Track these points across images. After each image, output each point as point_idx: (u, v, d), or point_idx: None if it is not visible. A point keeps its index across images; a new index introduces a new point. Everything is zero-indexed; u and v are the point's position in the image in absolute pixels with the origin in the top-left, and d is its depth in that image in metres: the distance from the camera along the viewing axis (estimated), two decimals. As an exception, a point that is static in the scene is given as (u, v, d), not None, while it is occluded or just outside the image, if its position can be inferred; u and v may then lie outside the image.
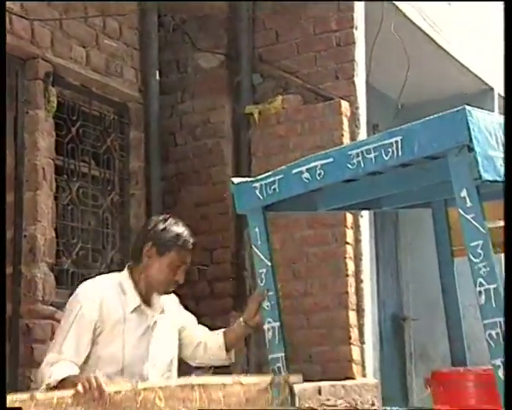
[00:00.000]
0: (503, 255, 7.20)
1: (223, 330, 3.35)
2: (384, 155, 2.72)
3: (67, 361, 2.89)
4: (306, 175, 2.99)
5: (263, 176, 3.14)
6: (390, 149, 2.69)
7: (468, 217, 2.52)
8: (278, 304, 3.17)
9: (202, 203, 5.39)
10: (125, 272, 3.12)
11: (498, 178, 2.49)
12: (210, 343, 3.30)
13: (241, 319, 3.26)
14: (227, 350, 3.28)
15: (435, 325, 5.68)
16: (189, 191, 5.44)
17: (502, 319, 2.46)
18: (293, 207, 3.43)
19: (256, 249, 3.20)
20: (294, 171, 3.02)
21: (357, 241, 5.08)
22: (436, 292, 4.17)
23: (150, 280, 3.08)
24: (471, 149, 2.47)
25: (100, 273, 4.76)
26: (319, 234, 5.01)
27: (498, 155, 2.51)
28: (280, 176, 3.08)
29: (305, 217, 5.02)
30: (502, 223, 4.34)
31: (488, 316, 2.48)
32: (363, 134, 5.26)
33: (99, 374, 2.67)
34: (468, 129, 2.45)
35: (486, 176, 2.46)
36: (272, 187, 3.10)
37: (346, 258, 4.96)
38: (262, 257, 3.18)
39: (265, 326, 3.18)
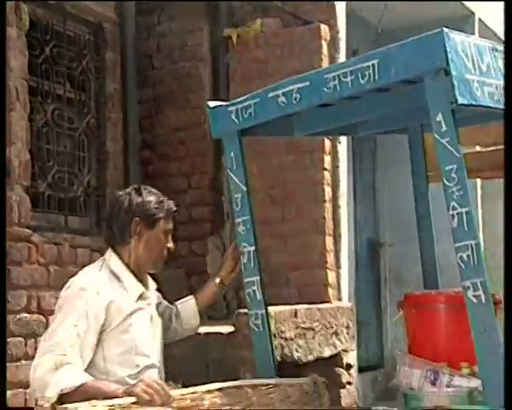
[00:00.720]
0: (478, 181, 7.31)
1: (193, 296, 3.21)
2: (360, 79, 2.69)
3: (76, 365, 2.53)
4: (283, 99, 2.96)
5: (239, 100, 3.11)
6: (366, 73, 2.67)
7: (443, 141, 2.52)
8: (253, 228, 3.18)
9: (180, 128, 5.35)
10: (113, 257, 2.82)
11: (474, 103, 2.49)
12: (184, 313, 3.16)
13: (217, 278, 3.20)
14: (200, 316, 3.16)
15: (410, 250, 5.74)
16: (166, 116, 5.39)
17: (473, 242, 2.49)
18: (270, 131, 3.42)
19: (231, 174, 3.20)
20: (271, 94, 3.00)
21: (335, 167, 5.10)
22: (411, 218, 4.21)
23: (143, 258, 2.84)
24: (447, 73, 2.45)
25: (77, 197, 4.80)
26: (297, 160, 5.01)
27: (475, 78, 2.50)
28: (256, 100, 3.05)
29: (282, 143, 5.01)
30: (477, 148, 4.39)
31: (460, 239, 2.51)
32: (342, 59, 5.21)
33: (149, 378, 2.47)
34: (445, 52, 2.43)
35: (462, 100, 2.45)
36: (248, 111, 3.07)
37: (323, 184, 4.97)
38: (237, 182, 3.17)
39: (241, 250, 3.20)
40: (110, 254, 2.84)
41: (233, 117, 3.11)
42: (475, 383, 2.89)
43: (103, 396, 2.36)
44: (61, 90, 4.82)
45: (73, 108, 4.91)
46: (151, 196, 2.90)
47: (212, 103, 3.21)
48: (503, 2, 3.09)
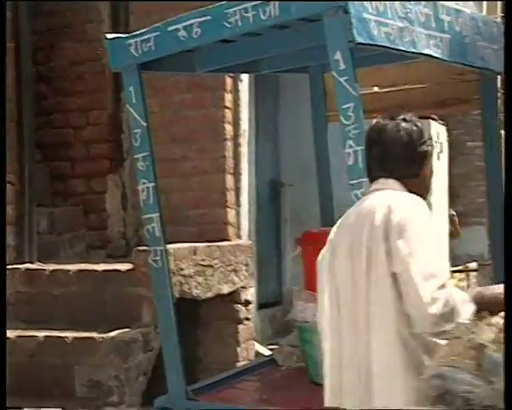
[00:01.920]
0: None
1: None
2: (261, 15, 2.69)
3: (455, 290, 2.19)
4: (183, 33, 2.92)
5: (138, 32, 3.05)
6: (267, 9, 2.67)
7: (341, 79, 2.56)
8: (153, 165, 3.16)
9: (77, 62, 5.17)
10: (404, 191, 2.35)
11: (371, 42, 2.53)
12: None
13: None
14: None
15: (309, 190, 5.84)
16: (62, 48, 5.19)
17: (367, 179, 2.55)
18: (171, 66, 3.37)
19: (131, 109, 3.15)
20: (171, 28, 2.95)
21: (236, 105, 5.08)
22: (311, 158, 4.28)
23: (425, 189, 2.44)
24: (346, 12, 2.48)
25: None
26: (198, 97, 4.96)
27: (372, 18, 2.53)
28: (156, 33, 3.00)
29: (183, 80, 4.94)
30: (375, 89, 4.48)
31: (355, 176, 2.58)
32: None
33: None
34: (344, -10, 2.45)
35: (360, 39, 2.49)
36: (148, 44, 3.02)
37: (224, 122, 4.95)
38: (137, 117, 3.13)
39: (140, 187, 3.17)
40: (400, 188, 2.34)
41: (132, 50, 3.05)
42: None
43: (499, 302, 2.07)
44: None
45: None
46: (417, 123, 2.39)
47: (110, 36, 3.13)
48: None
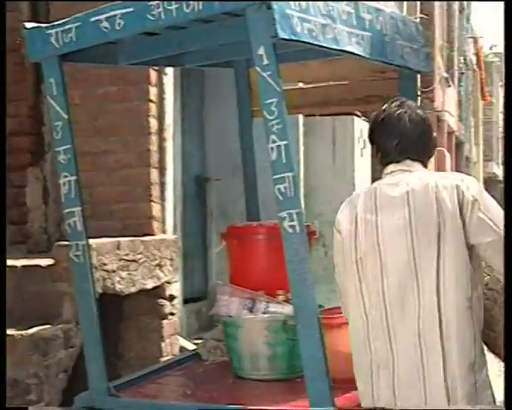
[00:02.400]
0: (300, 117, 7.52)
1: None
2: (185, 8, 2.67)
3: None
4: (105, 24, 2.88)
5: (58, 22, 2.99)
6: (191, 3, 2.65)
7: (265, 74, 2.57)
8: (75, 158, 3.10)
9: (-4, 52, 5.03)
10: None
11: (294, 37, 2.55)
12: None
13: None
14: None
15: (235, 185, 5.85)
16: (-21, 37, 5.03)
17: (290, 174, 2.59)
18: (93, 58, 3.32)
19: (51, 101, 3.09)
20: (92, 19, 2.90)
21: (161, 99, 5.04)
22: (237, 153, 4.28)
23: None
24: (269, 7, 2.49)
25: None
26: (122, 90, 4.89)
27: (295, 14, 2.56)
28: (77, 23, 2.95)
29: (107, 73, 4.86)
30: (300, 84, 4.52)
31: (278, 171, 2.60)
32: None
33: None
34: (267, -15, 2.46)
35: (283, 34, 2.51)
36: (69, 35, 2.96)
37: (149, 116, 4.91)
38: (58, 109, 3.07)
39: (61, 181, 3.11)
40: (422, 167, 2.54)
41: (52, 40, 2.98)
42: (289, 308, 3.04)
43: None
44: None
45: None
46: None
47: (29, 25, 3.06)
48: None
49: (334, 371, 2.68)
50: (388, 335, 2.38)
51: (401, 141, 2.48)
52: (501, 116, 32.38)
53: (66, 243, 3.30)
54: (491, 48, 30.48)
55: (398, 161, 2.48)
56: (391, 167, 2.48)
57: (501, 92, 30.53)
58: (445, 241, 2.34)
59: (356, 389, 2.51)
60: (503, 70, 2.70)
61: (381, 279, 2.39)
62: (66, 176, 3.08)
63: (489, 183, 26.67)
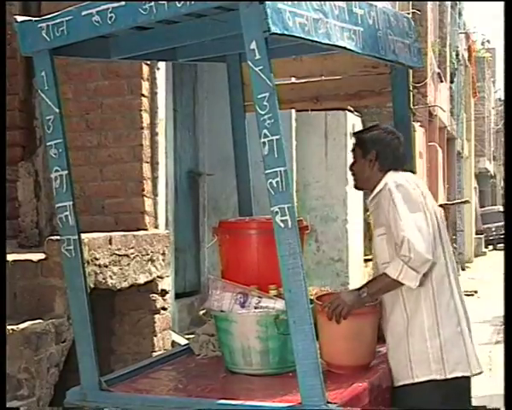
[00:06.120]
0: (293, 112, 7.52)
1: None
2: (177, 2, 2.66)
3: None
4: (97, 18, 2.86)
5: (50, 16, 2.97)
6: (183, -3, 2.64)
7: (257, 69, 2.56)
8: (66, 152, 3.09)
9: (-13, 45, 5.00)
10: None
11: (286, 32, 2.55)
12: None
13: None
14: None
15: (228, 179, 5.85)
16: (-30, 31, 5.01)
17: (282, 169, 2.58)
18: (85, 52, 3.30)
19: (43, 95, 3.07)
20: (84, 12, 2.89)
21: (153, 93, 5.03)
22: (230, 147, 4.28)
23: None
24: (261, 2, 2.48)
25: None
26: (114, 85, 4.89)
27: (287, 8, 2.55)
28: (68, 17, 2.92)
29: (99, 67, 4.86)
30: (293, 79, 4.52)
31: (270, 166, 2.59)
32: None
33: None
34: (259, -20, 2.45)
35: (275, 29, 2.50)
36: (60, 29, 2.94)
37: (141, 110, 4.90)
38: (49, 103, 3.05)
39: (52, 175, 3.10)
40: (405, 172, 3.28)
41: (44, 34, 2.96)
42: (281, 303, 3.04)
43: None
44: None
45: None
46: None
47: (20, 18, 3.04)
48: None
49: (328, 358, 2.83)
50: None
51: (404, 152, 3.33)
52: (493, 111, 32.43)
53: (58, 237, 3.29)
54: (482, 43, 30.57)
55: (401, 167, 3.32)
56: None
57: (492, 88, 30.60)
58: None
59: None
60: (503, 70, 2.75)
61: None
62: (57, 170, 3.07)
63: (480, 178, 26.75)
